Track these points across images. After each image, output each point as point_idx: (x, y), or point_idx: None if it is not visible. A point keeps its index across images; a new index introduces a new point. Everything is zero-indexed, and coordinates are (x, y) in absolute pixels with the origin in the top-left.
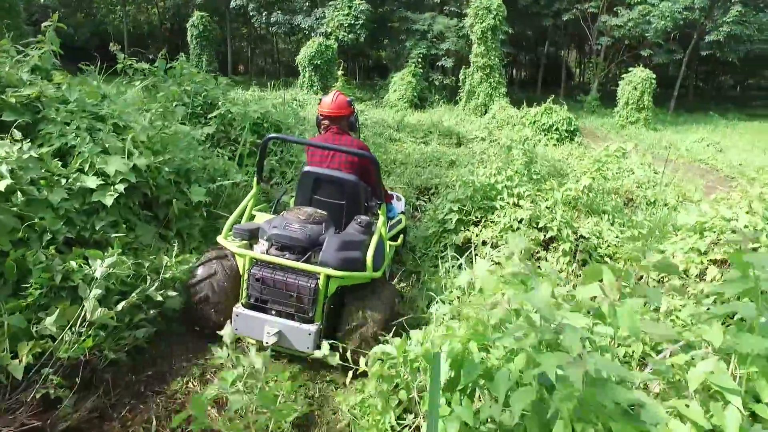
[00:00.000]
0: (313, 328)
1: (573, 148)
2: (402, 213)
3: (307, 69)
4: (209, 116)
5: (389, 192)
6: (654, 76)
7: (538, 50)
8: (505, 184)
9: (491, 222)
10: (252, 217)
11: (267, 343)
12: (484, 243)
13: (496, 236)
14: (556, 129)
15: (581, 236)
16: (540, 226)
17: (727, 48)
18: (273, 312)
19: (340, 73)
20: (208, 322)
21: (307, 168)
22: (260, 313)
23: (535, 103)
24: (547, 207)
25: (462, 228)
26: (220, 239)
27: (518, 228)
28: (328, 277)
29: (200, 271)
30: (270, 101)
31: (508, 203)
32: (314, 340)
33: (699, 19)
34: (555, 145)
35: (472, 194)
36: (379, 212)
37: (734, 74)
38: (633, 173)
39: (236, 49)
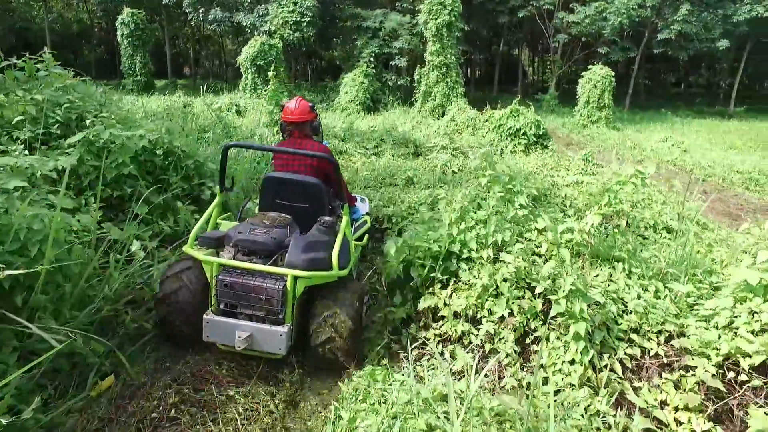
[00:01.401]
0: (283, 329)
1: (546, 157)
2: (367, 214)
3: (249, 70)
4: (69, 141)
5: (352, 195)
6: (613, 73)
7: (492, 48)
8: (476, 233)
9: (464, 284)
10: (217, 226)
11: (239, 347)
12: (456, 315)
13: (474, 304)
14: (524, 134)
15: (594, 302)
16: (537, 291)
17: (677, 46)
18: (243, 316)
19: (270, 74)
20: (179, 331)
21: (268, 173)
22: (230, 319)
23: (499, 105)
24: (543, 258)
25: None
26: (186, 249)
27: (502, 293)
28: (296, 278)
29: (167, 284)
30: (180, 117)
31: (481, 257)
32: (286, 341)
33: (651, 16)
34: (524, 152)
35: (427, 252)
36: (342, 213)
37: (676, 72)
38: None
39: (181, 50)
